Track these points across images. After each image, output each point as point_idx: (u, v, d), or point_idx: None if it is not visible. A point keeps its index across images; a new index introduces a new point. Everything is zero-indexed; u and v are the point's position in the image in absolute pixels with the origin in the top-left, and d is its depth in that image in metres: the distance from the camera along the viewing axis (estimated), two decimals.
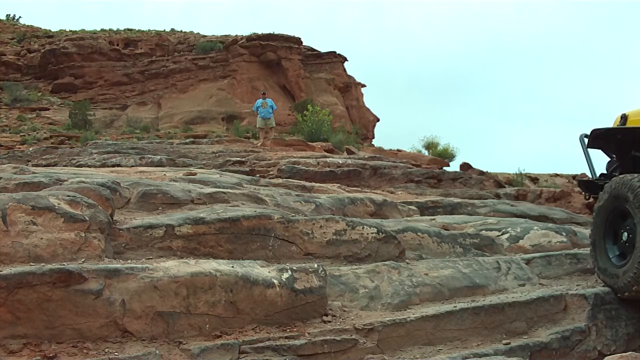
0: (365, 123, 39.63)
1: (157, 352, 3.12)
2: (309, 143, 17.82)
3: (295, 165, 12.47)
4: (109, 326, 3.17)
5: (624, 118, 4.94)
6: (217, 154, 14.69)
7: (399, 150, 23.04)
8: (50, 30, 41.09)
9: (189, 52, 37.32)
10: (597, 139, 5.01)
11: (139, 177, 6.14)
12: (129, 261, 3.70)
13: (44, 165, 12.30)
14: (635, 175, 4.29)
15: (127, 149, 15.36)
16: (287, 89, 36.38)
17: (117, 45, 37.21)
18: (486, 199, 11.07)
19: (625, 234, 4.36)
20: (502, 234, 6.00)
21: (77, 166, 11.93)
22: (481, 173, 16.54)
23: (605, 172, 5.24)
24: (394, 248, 4.89)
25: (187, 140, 21.12)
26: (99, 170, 7.68)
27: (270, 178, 10.07)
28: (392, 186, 12.25)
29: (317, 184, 8.80)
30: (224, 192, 5.55)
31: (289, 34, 36.85)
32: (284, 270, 3.83)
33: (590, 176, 5.35)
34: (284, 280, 3.74)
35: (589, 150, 5.25)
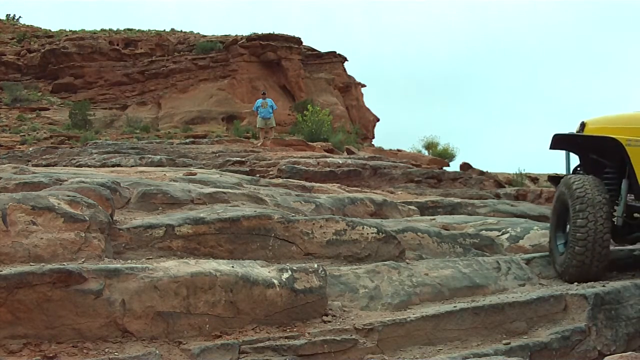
0: (365, 123, 39.62)
1: (157, 352, 3.12)
2: (309, 143, 17.85)
3: (295, 165, 12.48)
4: (109, 326, 3.17)
5: (582, 125, 5.29)
6: (217, 154, 14.71)
7: (399, 150, 23.09)
8: (50, 30, 41.08)
9: (189, 52, 37.28)
10: (559, 142, 5.43)
11: (139, 177, 6.14)
12: (129, 261, 3.70)
13: (44, 165, 12.31)
14: (571, 175, 5.13)
15: (127, 149, 15.39)
16: (287, 89, 36.36)
17: (117, 45, 37.18)
18: (486, 199, 11.08)
19: (568, 225, 4.83)
20: (502, 234, 6.01)
21: (77, 166, 11.95)
22: (481, 173, 16.56)
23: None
24: (394, 248, 4.88)
25: (187, 140, 21.14)
26: (99, 170, 7.68)
27: (270, 178, 10.07)
28: (392, 186, 12.26)
29: (317, 184, 8.80)
30: (224, 192, 5.55)
31: (289, 34, 36.85)
32: (284, 270, 3.83)
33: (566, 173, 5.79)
34: (284, 280, 3.73)
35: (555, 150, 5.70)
